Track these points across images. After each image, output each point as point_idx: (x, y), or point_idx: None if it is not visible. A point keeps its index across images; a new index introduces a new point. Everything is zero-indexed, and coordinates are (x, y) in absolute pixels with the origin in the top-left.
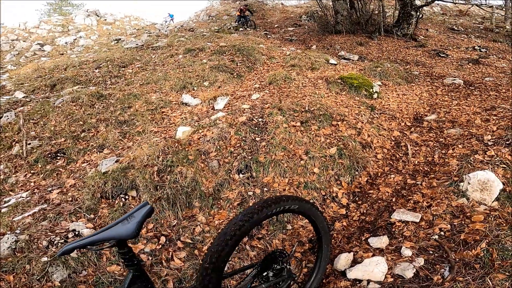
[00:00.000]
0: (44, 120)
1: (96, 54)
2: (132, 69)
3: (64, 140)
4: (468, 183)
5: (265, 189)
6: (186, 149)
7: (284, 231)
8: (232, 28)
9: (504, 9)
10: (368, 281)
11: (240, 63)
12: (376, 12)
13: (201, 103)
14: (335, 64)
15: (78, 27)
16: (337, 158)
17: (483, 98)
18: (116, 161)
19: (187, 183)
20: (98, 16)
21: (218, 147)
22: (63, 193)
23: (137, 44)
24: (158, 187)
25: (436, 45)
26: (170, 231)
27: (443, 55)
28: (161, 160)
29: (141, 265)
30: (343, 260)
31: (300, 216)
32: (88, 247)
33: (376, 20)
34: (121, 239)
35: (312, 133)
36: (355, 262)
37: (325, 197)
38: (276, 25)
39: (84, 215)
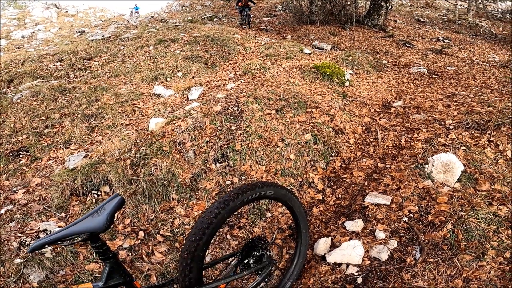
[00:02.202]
0: (2, 117)
1: (57, 47)
2: (98, 61)
3: (26, 137)
4: (432, 165)
5: (243, 177)
6: (160, 140)
7: (263, 219)
8: (206, 18)
9: (467, 2)
10: (347, 265)
11: (214, 53)
12: (349, 2)
13: (174, 94)
14: (309, 54)
15: (36, 20)
16: (312, 144)
17: (445, 86)
18: (85, 157)
19: (163, 175)
20: (58, 8)
21: (194, 137)
22: (30, 192)
23: (103, 36)
24: (132, 180)
25: (403, 35)
26: (148, 225)
27: (409, 45)
28: (134, 153)
29: (117, 258)
30: (322, 245)
31: (279, 203)
32: (59, 242)
33: (349, 11)
34: (92, 232)
35: (287, 120)
36: (333, 246)
37: (302, 183)
38: (251, 15)
39: (54, 214)
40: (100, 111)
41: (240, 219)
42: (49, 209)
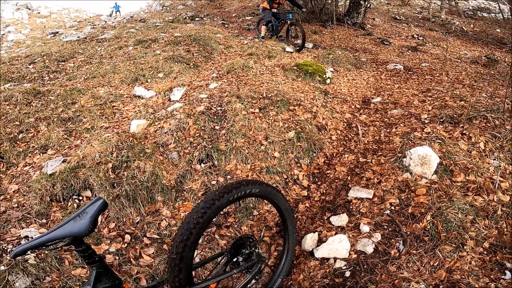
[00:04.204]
0: None
1: (29, 49)
2: (74, 63)
3: None
4: (410, 158)
5: (228, 176)
6: (143, 142)
7: (251, 217)
8: (188, 18)
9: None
10: (335, 259)
11: (196, 53)
12: (329, 1)
13: (156, 95)
14: (291, 52)
15: (6, 21)
16: (296, 141)
17: (420, 82)
18: (63, 161)
19: (147, 177)
20: (29, 9)
21: (177, 138)
22: (7, 199)
23: (79, 37)
24: (115, 184)
25: (381, 33)
26: (134, 228)
27: (387, 43)
28: (115, 156)
29: (104, 262)
30: (309, 240)
31: (265, 201)
32: (42, 247)
33: (329, 10)
34: (75, 236)
35: (271, 118)
36: (320, 241)
37: (287, 180)
38: (234, 14)
39: (34, 220)
40: (78, 114)
41: (228, 218)
42: (28, 215)
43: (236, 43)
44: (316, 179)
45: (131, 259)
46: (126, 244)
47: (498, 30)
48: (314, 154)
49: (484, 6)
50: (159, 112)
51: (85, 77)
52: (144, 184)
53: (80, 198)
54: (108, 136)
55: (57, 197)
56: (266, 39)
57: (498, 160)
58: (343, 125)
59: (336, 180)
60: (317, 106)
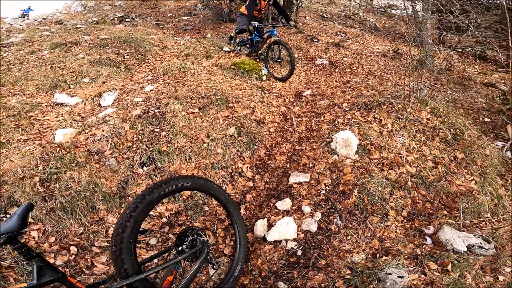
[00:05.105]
0: None
1: None
2: None
3: None
4: (336, 142)
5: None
6: (73, 152)
7: (202, 213)
8: (116, 19)
9: None
10: (286, 240)
11: (128, 55)
12: None
13: (82, 101)
14: (229, 51)
15: None
16: (237, 137)
17: (341, 75)
18: None
19: (83, 187)
20: None
21: (113, 144)
22: None
23: None
24: (46, 197)
25: (311, 31)
26: (78, 239)
27: (315, 40)
28: (42, 169)
29: (43, 257)
30: (260, 226)
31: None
32: None
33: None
34: (7, 233)
35: (211, 117)
36: (270, 226)
37: (232, 173)
38: (169, 15)
39: None
40: None
41: (179, 217)
42: None
43: (172, 44)
44: (259, 170)
45: (84, 269)
46: (73, 256)
47: (402, 26)
48: (255, 147)
49: (393, 3)
50: (89, 119)
51: None
52: (82, 194)
53: (8, 215)
54: (29, 149)
55: None
56: (243, 53)
57: (403, 137)
58: (280, 117)
59: (277, 169)
60: (255, 102)
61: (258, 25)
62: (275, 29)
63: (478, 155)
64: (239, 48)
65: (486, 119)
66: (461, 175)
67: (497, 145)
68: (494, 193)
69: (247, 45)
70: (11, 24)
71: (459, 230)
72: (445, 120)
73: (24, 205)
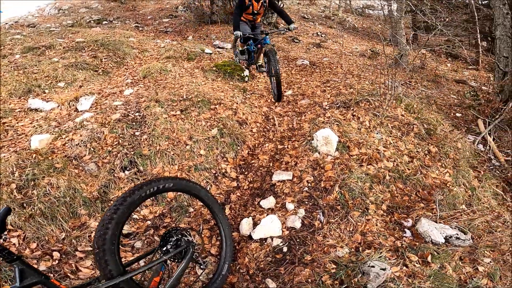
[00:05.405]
0: None
1: None
2: None
3: None
4: (317, 140)
5: None
6: (50, 158)
7: (187, 214)
8: (93, 21)
9: None
10: (272, 238)
11: (105, 58)
12: None
13: (58, 106)
14: (211, 53)
15: None
16: (220, 138)
17: (321, 75)
18: None
19: (63, 193)
20: None
21: (92, 149)
22: None
23: None
24: (25, 204)
25: (292, 32)
26: (61, 245)
27: (297, 41)
28: (18, 176)
29: (24, 260)
30: (245, 225)
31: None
32: None
33: None
34: None
35: (193, 119)
36: (255, 224)
37: (216, 174)
38: (149, 17)
39: None
40: None
41: (164, 219)
42: None
43: (152, 47)
44: (243, 170)
45: (68, 274)
46: (57, 261)
47: (379, 26)
48: (238, 147)
49: (370, 4)
50: (66, 124)
51: None
52: (62, 200)
53: None
54: (4, 156)
55: None
56: (244, 66)
57: (380, 134)
58: (262, 118)
59: (261, 168)
60: (237, 103)
61: (241, 34)
62: (267, 37)
63: (451, 149)
64: (238, 60)
65: (458, 114)
66: (435, 168)
67: (468, 138)
68: (468, 185)
69: (245, 57)
70: None
71: (436, 222)
72: (419, 116)
73: (2, 210)
